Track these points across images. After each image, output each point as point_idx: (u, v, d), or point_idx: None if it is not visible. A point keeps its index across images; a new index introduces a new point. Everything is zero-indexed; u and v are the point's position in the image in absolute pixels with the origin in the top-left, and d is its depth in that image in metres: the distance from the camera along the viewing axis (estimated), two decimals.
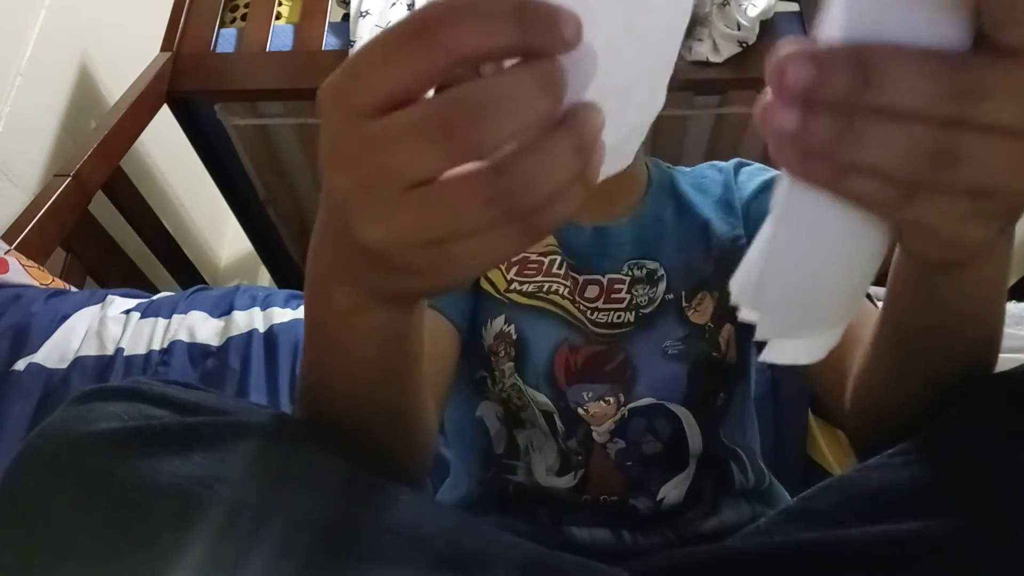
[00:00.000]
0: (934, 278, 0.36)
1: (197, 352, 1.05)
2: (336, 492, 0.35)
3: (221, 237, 2.41)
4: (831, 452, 0.96)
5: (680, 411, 0.60)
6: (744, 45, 1.59)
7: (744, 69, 1.60)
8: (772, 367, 0.67)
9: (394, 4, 1.64)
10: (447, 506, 0.61)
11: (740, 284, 0.29)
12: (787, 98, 0.24)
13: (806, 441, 1.01)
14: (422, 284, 0.30)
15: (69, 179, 1.37)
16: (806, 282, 0.27)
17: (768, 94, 0.25)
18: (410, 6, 1.64)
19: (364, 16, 1.62)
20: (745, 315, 0.28)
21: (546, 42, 0.23)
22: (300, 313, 1.12)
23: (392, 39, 0.23)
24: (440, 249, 0.26)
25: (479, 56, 0.23)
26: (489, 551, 0.36)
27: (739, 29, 1.56)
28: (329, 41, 1.71)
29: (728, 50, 1.58)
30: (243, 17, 1.78)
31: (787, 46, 0.24)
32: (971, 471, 0.35)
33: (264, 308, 1.13)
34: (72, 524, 0.33)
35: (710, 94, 1.67)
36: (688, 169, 0.75)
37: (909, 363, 0.43)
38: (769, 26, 1.66)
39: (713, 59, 1.58)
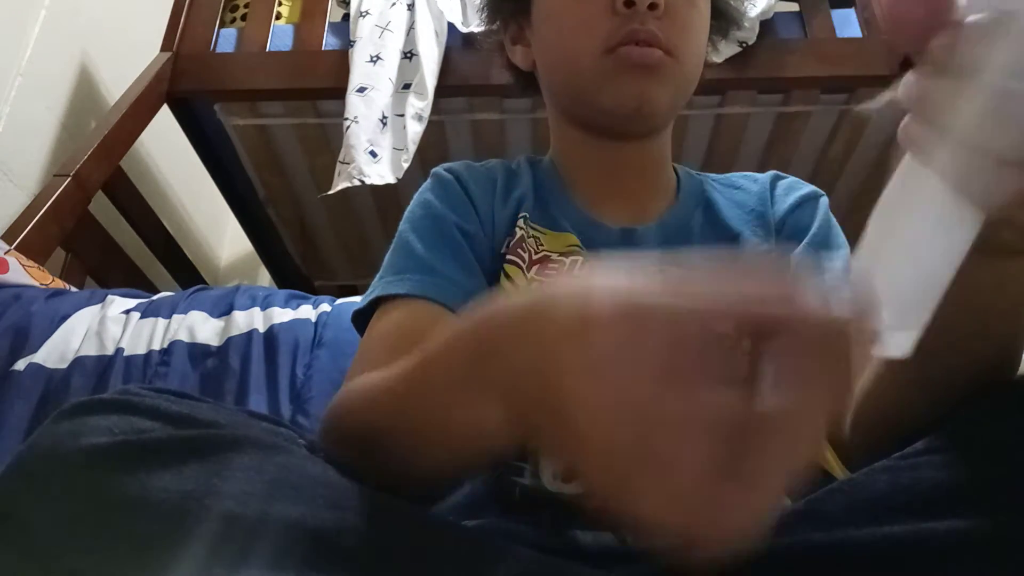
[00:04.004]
0: (994, 265, 0.35)
1: (197, 352, 1.05)
2: (331, 505, 0.35)
3: (221, 237, 2.41)
4: (831, 452, 0.96)
5: None
6: (744, 45, 1.59)
7: (744, 69, 1.60)
8: None
9: (394, 4, 1.63)
10: (445, 519, 0.60)
11: (859, 259, 0.32)
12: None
13: None
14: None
15: (69, 179, 1.37)
16: (899, 263, 0.30)
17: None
18: (410, 7, 1.63)
19: (364, 16, 1.61)
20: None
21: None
22: (300, 313, 1.12)
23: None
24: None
25: None
26: (489, 563, 0.36)
27: (739, 29, 1.56)
28: (329, 41, 1.71)
29: (728, 50, 1.57)
30: (243, 17, 1.78)
31: None
32: (983, 474, 0.35)
33: (264, 308, 1.12)
34: (62, 542, 0.32)
35: (710, 94, 1.67)
36: (719, 176, 0.74)
37: (933, 370, 0.42)
38: (769, 26, 1.66)
39: (713, 59, 1.58)
